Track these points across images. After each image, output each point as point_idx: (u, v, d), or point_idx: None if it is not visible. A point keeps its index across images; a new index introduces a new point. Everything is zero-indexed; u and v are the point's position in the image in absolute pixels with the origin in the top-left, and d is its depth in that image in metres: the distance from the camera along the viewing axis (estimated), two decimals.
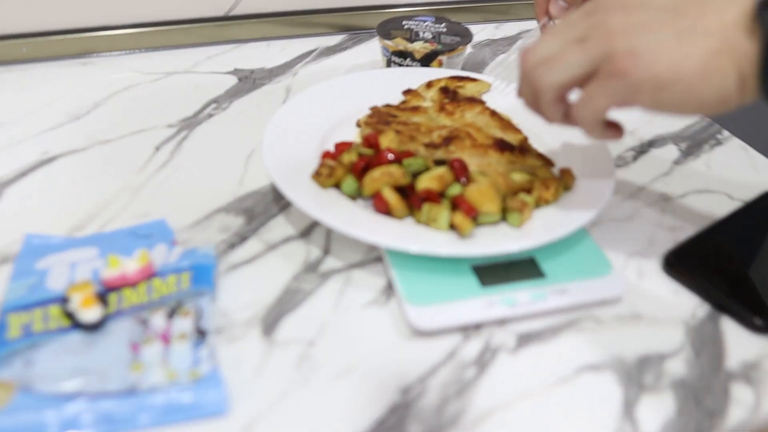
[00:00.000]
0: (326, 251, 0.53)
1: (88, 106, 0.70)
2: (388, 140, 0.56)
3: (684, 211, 0.61)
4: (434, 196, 0.51)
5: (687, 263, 0.53)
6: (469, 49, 0.80)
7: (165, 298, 0.46)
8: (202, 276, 0.48)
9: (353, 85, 0.68)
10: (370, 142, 0.56)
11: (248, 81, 0.77)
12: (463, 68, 0.78)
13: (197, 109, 0.71)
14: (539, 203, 0.54)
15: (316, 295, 0.49)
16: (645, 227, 0.58)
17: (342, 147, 0.58)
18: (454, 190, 0.52)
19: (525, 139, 0.61)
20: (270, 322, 0.47)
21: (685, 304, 0.51)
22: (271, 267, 0.51)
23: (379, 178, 0.52)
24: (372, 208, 0.53)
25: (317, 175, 0.54)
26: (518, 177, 0.56)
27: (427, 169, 0.54)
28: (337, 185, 0.54)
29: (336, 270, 0.52)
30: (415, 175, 0.53)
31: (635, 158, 0.68)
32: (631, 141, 0.71)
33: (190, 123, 0.68)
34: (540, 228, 0.51)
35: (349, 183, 0.53)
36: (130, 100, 0.72)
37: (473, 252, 0.48)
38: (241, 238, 0.54)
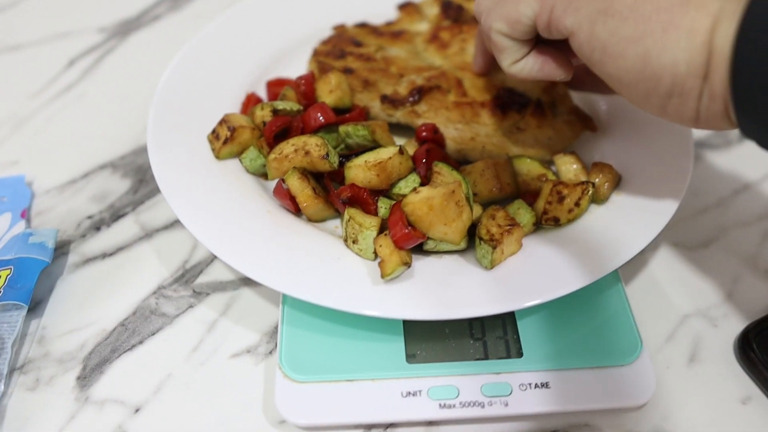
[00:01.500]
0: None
1: None
2: (329, 88, 0.37)
3: None
4: (365, 199, 0.32)
5: None
6: None
7: None
8: (22, 281, 0.34)
9: None
10: (302, 89, 0.37)
11: None
12: None
13: (144, 7, 0.54)
14: (545, 222, 0.33)
15: (175, 324, 0.34)
16: (727, 264, 0.36)
17: (277, 88, 0.40)
18: (404, 188, 0.33)
19: (562, 91, 0.39)
20: (95, 363, 0.32)
21: (758, 417, 0.30)
22: (134, 268, 0.36)
23: (291, 156, 0.34)
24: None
25: (213, 138, 0.36)
26: (524, 166, 0.35)
27: (374, 147, 0.34)
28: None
29: (219, 285, 0.35)
30: (350, 155, 0.34)
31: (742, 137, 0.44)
32: None
33: (126, 28, 0.52)
34: (527, 273, 0.31)
35: (251, 156, 0.35)
36: None
37: (384, 312, 0.29)
38: (114, 215, 0.39)
